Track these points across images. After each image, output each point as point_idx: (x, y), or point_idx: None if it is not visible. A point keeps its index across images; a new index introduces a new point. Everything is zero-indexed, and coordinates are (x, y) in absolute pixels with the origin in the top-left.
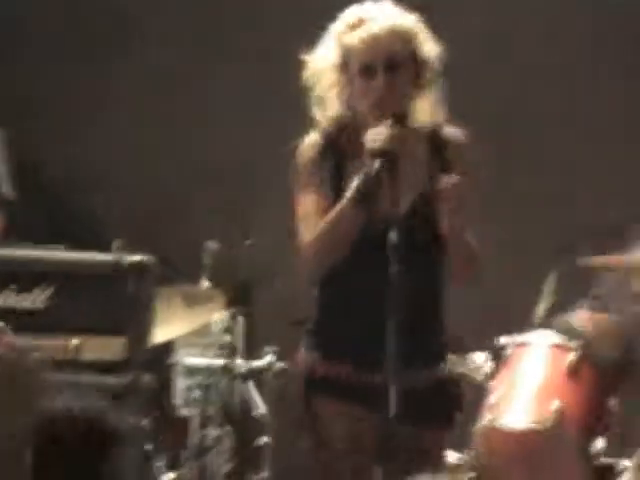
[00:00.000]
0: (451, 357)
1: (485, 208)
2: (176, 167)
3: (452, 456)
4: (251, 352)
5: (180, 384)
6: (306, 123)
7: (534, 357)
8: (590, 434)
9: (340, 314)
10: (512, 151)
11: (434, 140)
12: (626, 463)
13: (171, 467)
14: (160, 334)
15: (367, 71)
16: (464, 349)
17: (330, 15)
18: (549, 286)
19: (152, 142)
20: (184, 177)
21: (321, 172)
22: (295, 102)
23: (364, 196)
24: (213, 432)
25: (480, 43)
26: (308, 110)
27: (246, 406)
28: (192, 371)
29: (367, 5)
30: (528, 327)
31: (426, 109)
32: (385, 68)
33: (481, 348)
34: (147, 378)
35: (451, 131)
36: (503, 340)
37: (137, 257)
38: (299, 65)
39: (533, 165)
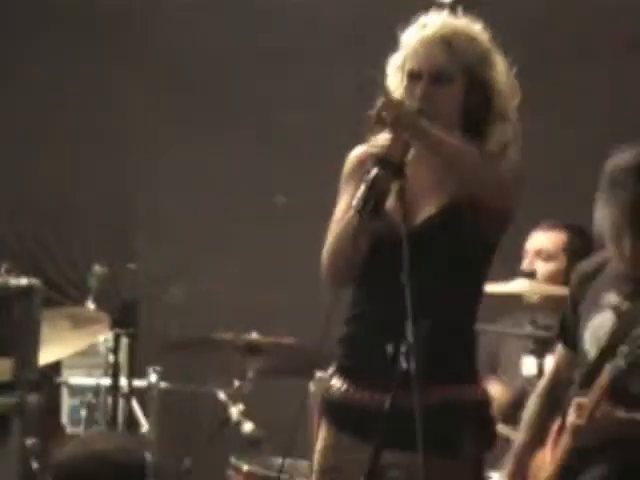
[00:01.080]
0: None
1: None
2: (62, 190)
3: None
4: (136, 372)
5: (67, 403)
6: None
7: None
8: None
9: (351, 329)
10: None
11: None
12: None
13: None
14: (47, 355)
15: (412, 77)
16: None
17: None
18: None
19: (36, 164)
20: (70, 201)
21: (356, 182)
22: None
23: (365, 206)
24: None
25: None
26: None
27: (131, 423)
28: (79, 390)
29: (445, 14)
30: None
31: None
32: (430, 77)
33: None
34: (34, 398)
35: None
36: None
37: (23, 280)
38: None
39: None
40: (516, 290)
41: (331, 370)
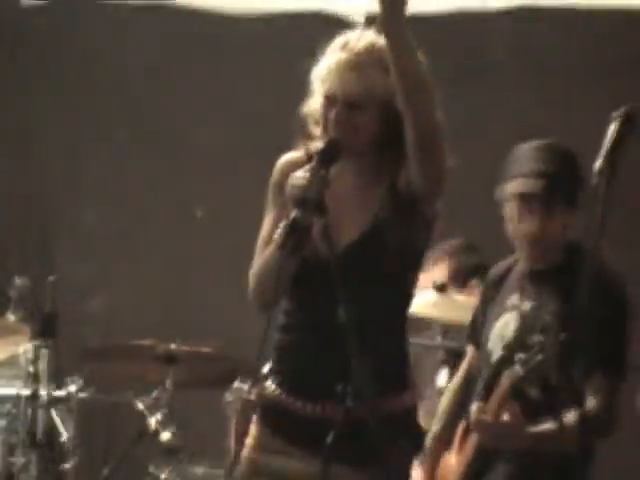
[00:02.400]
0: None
1: None
2: None
3: None
4: (56, 382)
5: None
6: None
7: None
8: None
9: (280, 343)
10: None
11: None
12: None
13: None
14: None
15: (328, 99)
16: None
17: None
18: None
19: None
20: None
21: (283, 196)
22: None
23: (286, 246)
24: (19, 459)
25: None
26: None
27: (51, 433)
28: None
29: (363, 32)
30: None
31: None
32: (344, 103)
33: None
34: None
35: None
36: None
37: None
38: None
39: None
40: (424, 313)
41: (266, 370)
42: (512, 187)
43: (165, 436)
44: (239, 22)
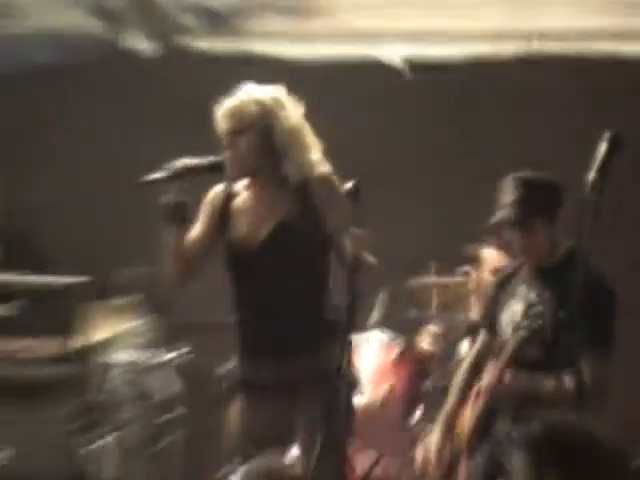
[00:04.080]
0: None
1: None
2: None
3: None
4: (167, 348)
5: (111, 374)
6: None
7: (370, 350)
8: (411, 405)
9: (236, 323)
10: None
11: (301, 187)
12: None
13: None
14: (93, 336)
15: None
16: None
17: None
18: (381, 299)
19: None
20: None
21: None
22: None
23: (170, 218)
24: (129, 411)
25: None
26: None
27: (161, 389)
28: (119, 365)
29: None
30: (365, 328)
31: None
32: (230, 133)
33: None
34: (83, 368)
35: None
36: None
37: (72, 279)
38: None
39: None
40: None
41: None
42: (495, 219)
43: None
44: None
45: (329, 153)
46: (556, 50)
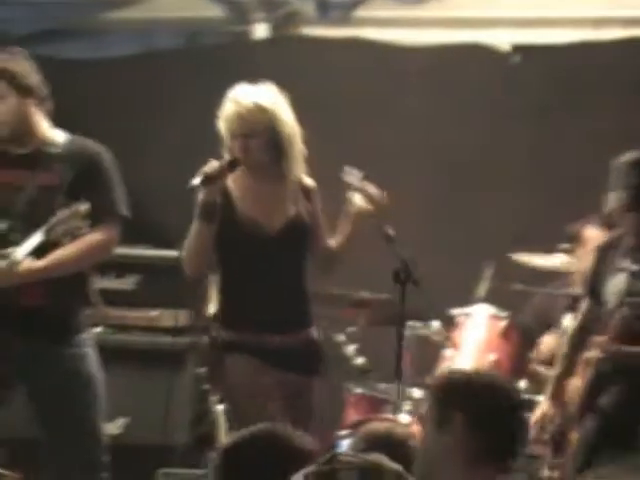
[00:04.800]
0: (416, 323)
1: (443, 218)
2: None
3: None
4: None
5: None
6: None
7: (476, 323)
8: (516, 377)
9: (238, 297)
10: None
11: (304, 190)
12: (540, 398)
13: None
14: (208, 309)
15: (233, 136)
16: (426, 318)
17: None
18: (486, 274)
19: None
20: None
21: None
22: None
23: (202, 215)
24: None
25: None
26: None
27: None
28: None
29: (243, 87)
30: (471, 302)
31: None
32: (242, 137)
33: (438, 318)
34: (203, 339)
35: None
36: (454, 311)
37: None
38: None
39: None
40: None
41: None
42: (610, 200)
43: (359, 361)
44: (413, 53)
45: (436, 136)
46: None
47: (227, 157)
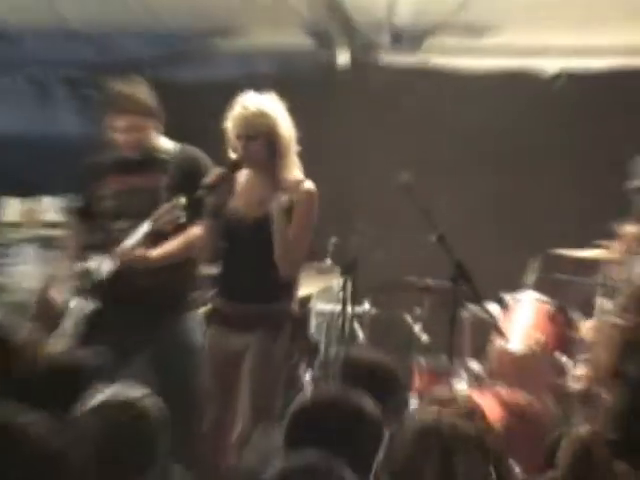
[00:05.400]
0: (474, 307)
1: (502, 219)
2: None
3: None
4: (355, 302)
5: (314, 321)
6: None
7: (526, 307)
8: (560, 354)
9: (222, 274)
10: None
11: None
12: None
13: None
14: (303, 291)
15: (238, 138)
16: (481, 299)
17: None
18: (534, 264)
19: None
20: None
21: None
22: None
23: (210, 214)
24: (333, 350)
25: None
26: None
27: (351, 334)
28: (321, 314)
29: (250, 94)
30: (521, 288)
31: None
32: (245, 138)
33: (492, 300)
34: (297, 312)
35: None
36: (506, 296)
37: None
38: None
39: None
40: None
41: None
42: (633, 183)
43: (424, 337)
44: (477, 79)
45: (492, 146)
46: None
47: (230, 161)
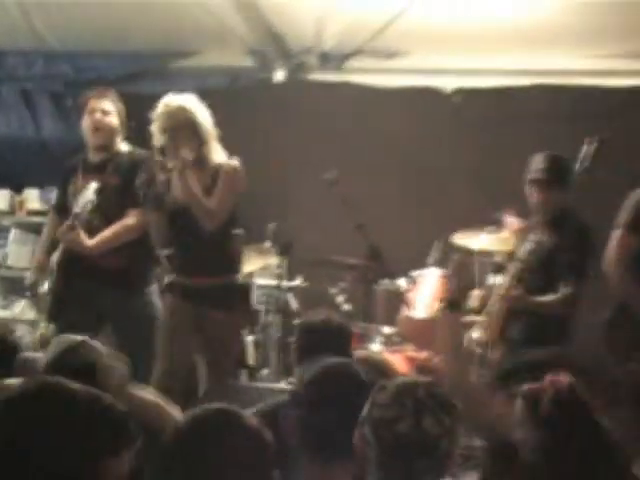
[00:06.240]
0: (386, 281)
1: (412, 209)
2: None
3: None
4: (289, 277)
5: (255, 293)
6: None
7: (429, 281)
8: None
9: (175, 254)
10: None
11: (215, 170)
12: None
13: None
14: (246, 268)
15: (164, 131)
16: (394, 276)
17: None
18: (437, 246)
19: None
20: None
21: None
22: None
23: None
24: (270, 318)
25: None
26: None
27: (285, 306)
28: (261, 287)
29: (170, 94)
30: (426, 266)
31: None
32: (170, 129)
33: (403, 276)
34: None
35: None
36: (414, 273)
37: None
38: None
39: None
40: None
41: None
42: (528, 176)
43: (346, 307)
44: (390, 94)
45: (406, 150)
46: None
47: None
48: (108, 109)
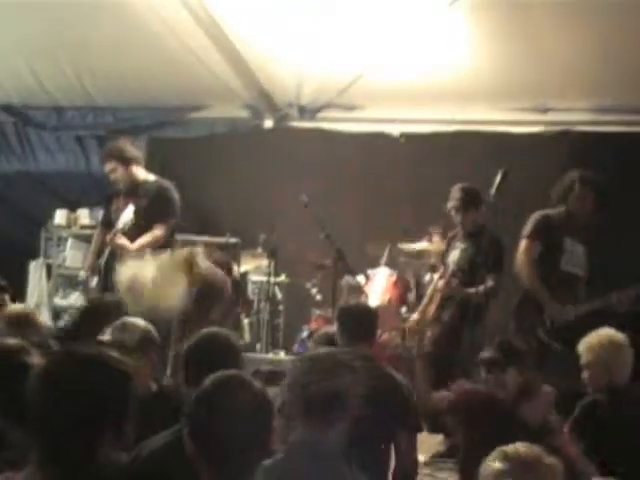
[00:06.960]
0: (349, 278)
1: (361, 220)
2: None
3: None
4: (275, 274)
5: (250, 287)
6: None
7: (380, 278)
8: (403, 305)
9: None
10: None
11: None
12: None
13: None
14: (242, 268)
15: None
16: (354, 273)
17: None
18: (386, 251)
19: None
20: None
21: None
22: None
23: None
24: (262, 306)
25: None
26: None
27: (273, 297)
28: (254, 282)
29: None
30: (378, 266)
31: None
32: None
33: (360, 274)
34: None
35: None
36: (369, 271)
37: (235, 239)
38: None
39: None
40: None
41: None
42: (448, 203)
43: (318, 297)
44: (350, 137)
45: (360, 181)
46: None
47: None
48: (110, 169)
